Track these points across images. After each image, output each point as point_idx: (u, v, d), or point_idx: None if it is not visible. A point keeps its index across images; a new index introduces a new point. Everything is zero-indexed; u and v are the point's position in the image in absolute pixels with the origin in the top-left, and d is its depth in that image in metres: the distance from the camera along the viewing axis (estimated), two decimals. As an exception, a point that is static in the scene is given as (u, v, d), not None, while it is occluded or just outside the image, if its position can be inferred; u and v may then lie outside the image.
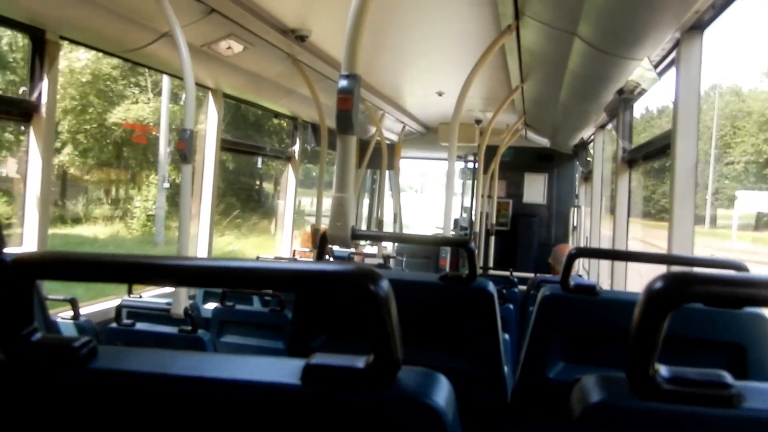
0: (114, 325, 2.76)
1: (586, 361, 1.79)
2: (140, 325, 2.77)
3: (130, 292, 3.23)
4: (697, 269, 1.82)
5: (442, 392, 0.68)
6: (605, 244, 5.39)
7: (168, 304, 2.88)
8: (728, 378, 0.64)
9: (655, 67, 2.86)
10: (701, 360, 1.64)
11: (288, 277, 0.67)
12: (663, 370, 0.66)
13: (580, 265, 6.03)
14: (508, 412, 1.85)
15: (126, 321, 2.76)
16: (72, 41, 3.20)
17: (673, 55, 2.73)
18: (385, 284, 0.65)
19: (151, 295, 3.58)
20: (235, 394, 0.69)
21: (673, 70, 2.70)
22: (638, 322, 0.64)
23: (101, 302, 3.51)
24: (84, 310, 3.21)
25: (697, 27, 2.45)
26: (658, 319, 0.63)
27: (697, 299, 0.61)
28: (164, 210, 15.32)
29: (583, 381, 0.71)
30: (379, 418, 0.67)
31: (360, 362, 0.68)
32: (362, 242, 7.33)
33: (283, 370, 0.71)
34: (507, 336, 3.31)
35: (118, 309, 2.78)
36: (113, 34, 3.08)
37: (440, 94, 5.86)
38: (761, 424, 0.65)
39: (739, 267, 1.73)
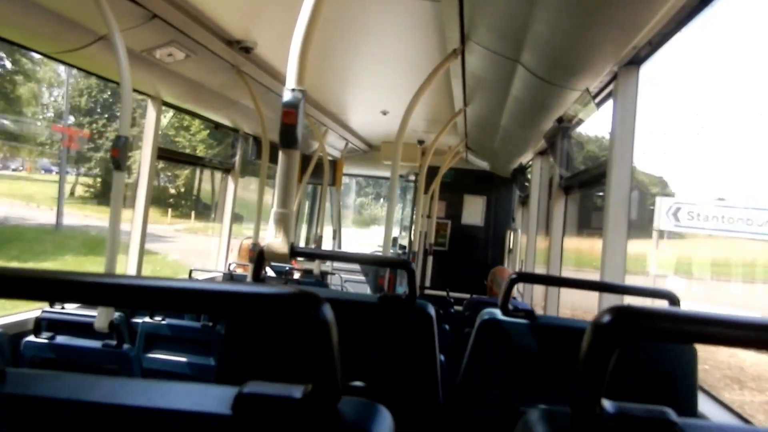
0: (32, 338, 2.60)
1: (521, 384, 1.80)
2: (61, 339, 2.62)
3: (51, 303, 3.05)
4: (629, 299, 1.86)
5: (384, 425, 0.65)
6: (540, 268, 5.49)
7: (92, 316, 2.73)
8: (672, 415, 0.63)
9: (594, 98, 2.95)
10: (634, 388, 1.67)
11: (223, 299, 0.62)
12: (609, 405, 0.64)
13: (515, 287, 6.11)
14: None
15: (45, 334, 2.61)
16: (1, 39, 3.03)
17: (611, 87, 2.82)
18: (327, 310, 0.61)
19: (75, 307, 3.40)
20: (159, 425, 0.64)
21: (610, 102, 2.79)
22: (585, 356, 0.62)
23: (18, 313, 3.30)
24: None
25: (635, 62, 2.55)
26: (605, 354, 0.61)
27: (644, 335, 0.60)
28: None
29: (528, 415, 0.69)
30: None
31: (297, 392, 0.63)
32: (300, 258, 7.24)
33: (213, 398, 0.66)
34: (443, 357, 3.31)
35: (38, 321, 2.62)
36: (47, 33, 2.93)
37: (384, 113, 5.88)
38: None
39: (670, 296, 1.77)
